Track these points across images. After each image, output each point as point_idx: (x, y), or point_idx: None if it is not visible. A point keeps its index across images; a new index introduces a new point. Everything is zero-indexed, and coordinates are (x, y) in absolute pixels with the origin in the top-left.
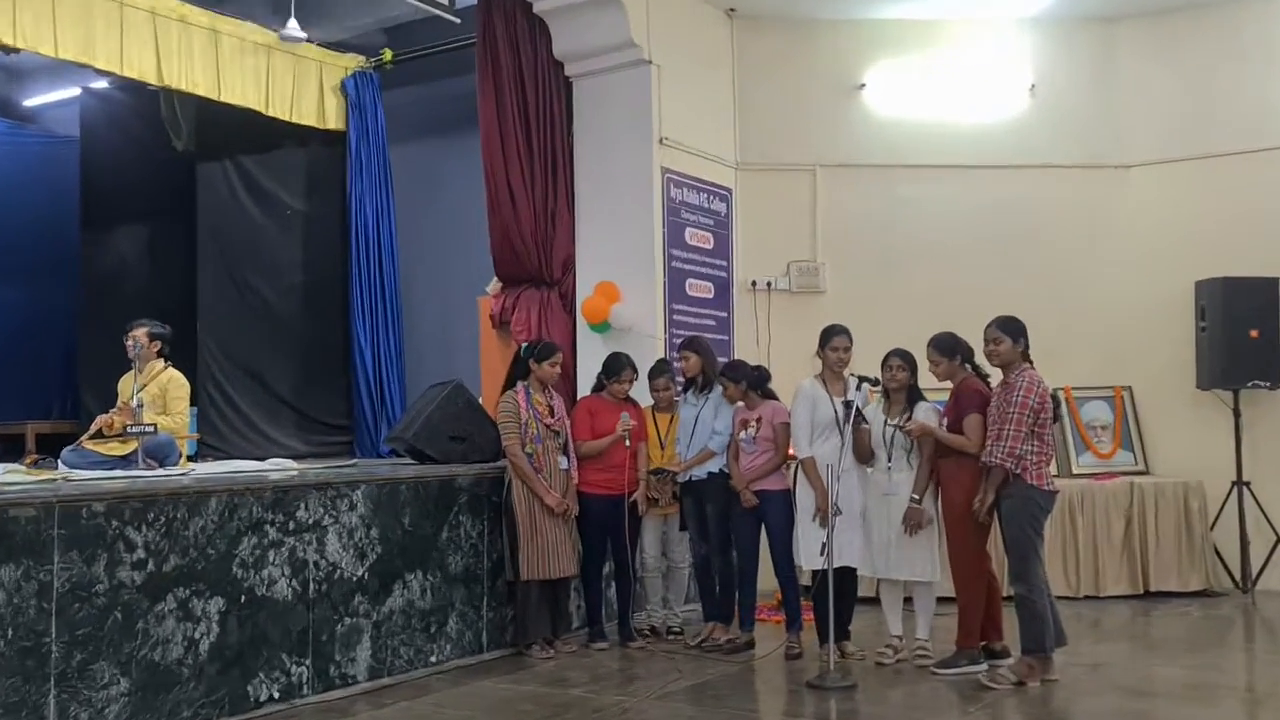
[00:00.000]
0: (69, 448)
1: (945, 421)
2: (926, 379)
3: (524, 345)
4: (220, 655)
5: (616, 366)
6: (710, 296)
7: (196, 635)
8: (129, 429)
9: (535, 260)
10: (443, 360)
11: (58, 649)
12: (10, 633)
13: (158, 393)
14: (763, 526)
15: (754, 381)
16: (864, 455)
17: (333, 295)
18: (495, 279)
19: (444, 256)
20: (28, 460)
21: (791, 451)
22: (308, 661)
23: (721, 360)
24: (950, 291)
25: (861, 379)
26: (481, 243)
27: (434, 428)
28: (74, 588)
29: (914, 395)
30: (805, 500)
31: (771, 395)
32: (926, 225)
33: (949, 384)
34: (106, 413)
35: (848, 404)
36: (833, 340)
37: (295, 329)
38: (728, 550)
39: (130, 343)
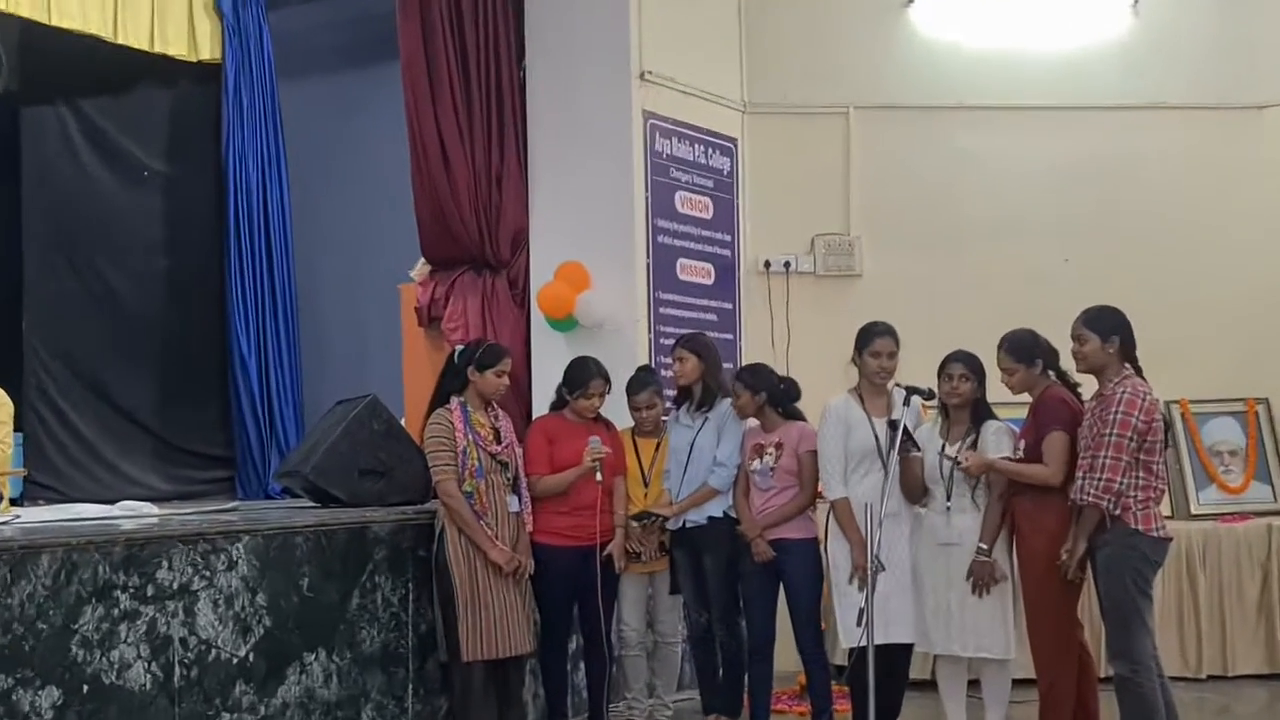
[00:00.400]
0: None
1: (1022, 446)
2: (998, 391)
3: (460, 349)
4: None
5: (582, 376)
6: (710, 282)
7: None
8: None
9: (475, 236)
10: (353, 370)
11: None
12: None
13: None
14: (781, 587)
15: (777, 395)
16: (915, 493)
17: (205, 284)
18: (422, 261)
19: (354, 232)
20: None
21: (820, 490)
22: None
23: (727, 368)
24: (1027, 275)
25: (911, 391)
26: (405, 213)
27: (341, 459)
28: None
29: (981, 413)
30: (839, 555)
31: (798, 415)
32: (995, 186)
33: (1027, 397)
34: None
35: (893, 424)
36: (874, 343)
37: (155, 329)
38: (734, 620)
39: None
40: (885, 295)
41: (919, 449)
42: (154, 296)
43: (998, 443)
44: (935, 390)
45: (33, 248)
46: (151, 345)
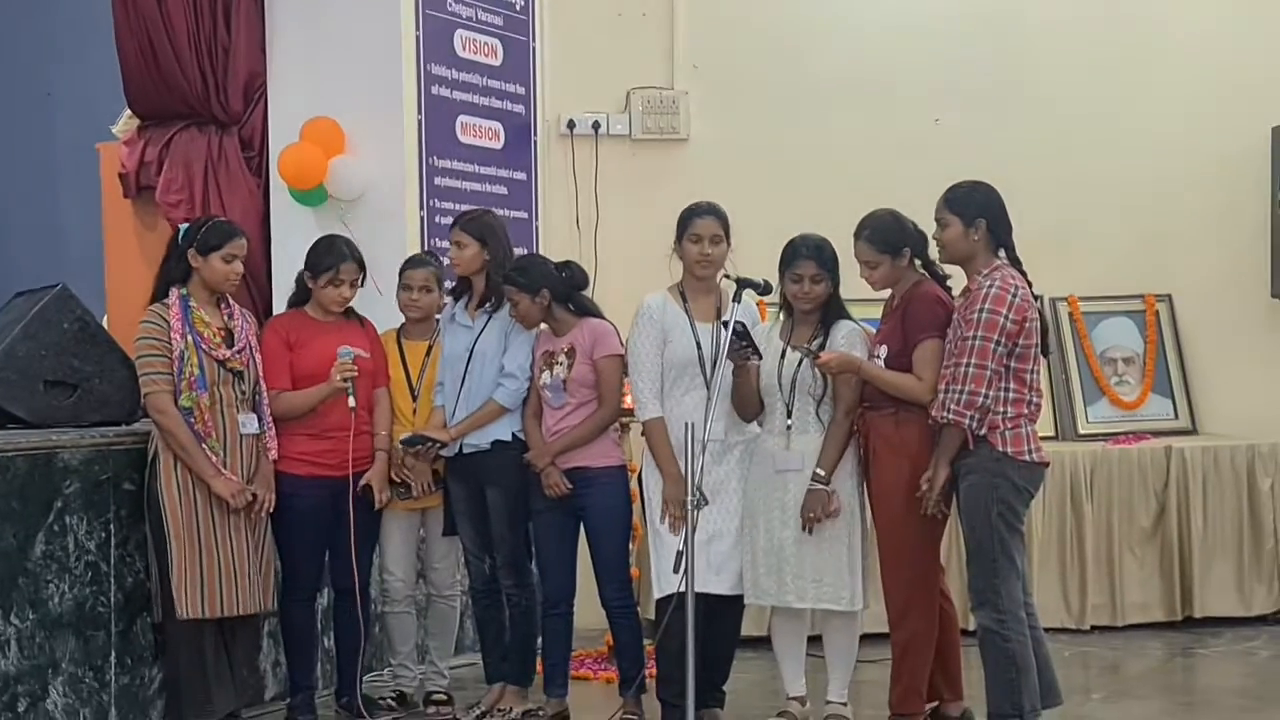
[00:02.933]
0: None
1: (882, 353)
2: (854, 287)
3: (182, 227)
4: None
5: (330, 257)
6: (498, 146)
7: None
8: None
9: (197, 84)
10: (38, 251)
11: None
12: None
13: None
14: (581, 527)
15: (560, 289)
16: (750, 409)
17: None
18: (128, 113)
19: (36, 71)
20: None
21: (630, 406)
22: None
23: (519, 253)
24: (890, 146)
25: (743, 284)
26: (105, 51)
27: (21, 366)
28: None
29: (833, 311)
30: (653, 488)
31: (592, 310)
32: (855, 38)
33: (887, 295)
34: None
35: (727, 325)
36: (693, 224)
37: None
38: (524, 567)
39: None
40: (717, 165)
41: (759, 355)
42: None
43: (849, 346)
44: (772, 283)
45: None
46: None
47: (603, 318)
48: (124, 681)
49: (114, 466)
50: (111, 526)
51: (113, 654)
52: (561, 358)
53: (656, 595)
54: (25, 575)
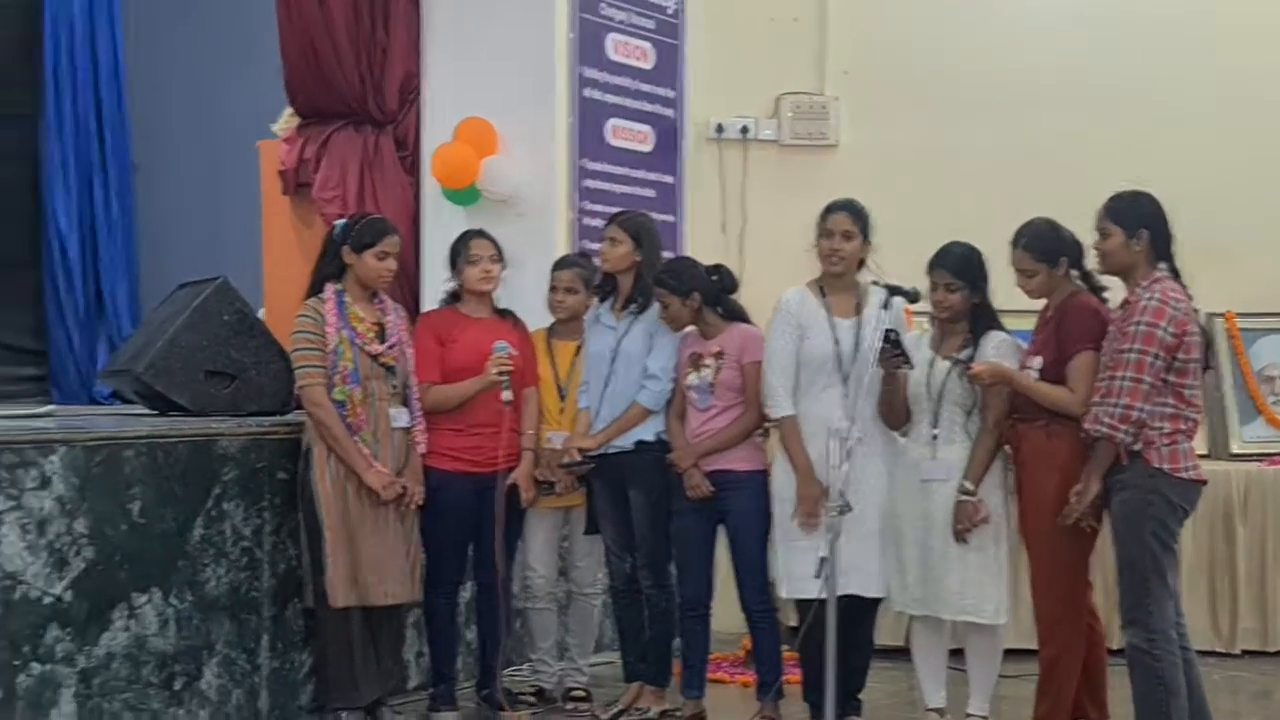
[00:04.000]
0: None
1: (1036, 365)
2: (1010, 297)
3: (338, 224)
4: None
5: (462, 242)
6: (647, 149)
7: None
8: None
9: (354, 82)
10: (202, 247)
11: None
12: None
13: None
14: (722, 530)
15: (710, 292)
16: (898, 418)
17: (13, 135)
18: (289, 112)
19: (204, 75)
20: None
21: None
22: None
23: (666, 257)
24: (1044, 153)
25: (893, 291)
26: (268, 52)
27: (182, 357)
28: None
29: (983, 320)
30: (786, 490)
31: (741, 315)
32: (1008, 41)
33: (1029, 304)
34: None
35: (888, 335)
36: (827, 220)
37: None
38: (664, 568)
39: None
40: (866, 171)
41: (910, 364)
42: None
43: (999, 359)
44: (921, 292)
45: None
46: None
47: (751, 323)
48: (275, 665)
49: (269, 455)
50: (266, 514)
51: (265, 638)
52: (709, 360)
53: (784, 595)
54: (184, 558)
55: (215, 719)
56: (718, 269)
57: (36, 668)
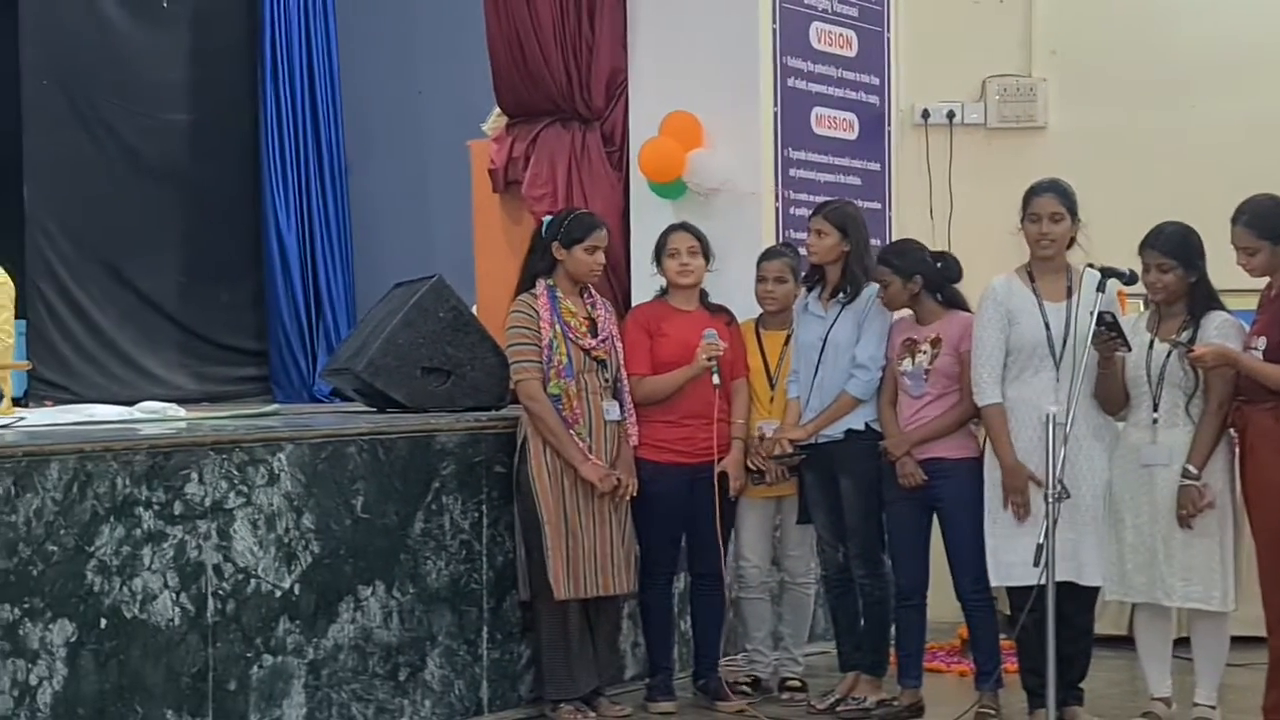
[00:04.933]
0: None
1: (1261, 344)
2: (1228, 274)
3: (547, 220)
4: (69, 711)
5: (664, 236)
6: (852, 137)
7: (32, 680)
8: None
9: (562, 80)
10: (414, 245)
11: None
12: None
13: None
14: (935, 518)
15: (934, 278)
16: (1116, 402)
17: (235, 140)
18: (496, 111)
19: (415, 77)
20: None
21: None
22: None
23: (874, 246)
24: (1264, 128)
25: (1107, 273)
26: (477, 52)
27: (400, 354)
28: None
29: (1202, 300)
30: (991, 472)
31: (961, 303)
32: (1225, 19)
33: (1264, 283)
34: None
35: (1093, 315)
36: (1033, 204)
37: (177, 196)
38: (878, 557)
39: None
40: (1076, 154)
41: (1128, 346)
42: (176, 157)
43: (1222, 340)
44: (1137, 273)
45: (34, 101)
46: (173, 216)
47: (970, 311)
48: (495, 656)
49: (486, 450)
50: (484, 507)
51: (485, 629)
52: (925, 347)
53: (994, 582)
54: (406, 551)
55: (439, 709)
56: (943, 255)
57: (269, 659)
